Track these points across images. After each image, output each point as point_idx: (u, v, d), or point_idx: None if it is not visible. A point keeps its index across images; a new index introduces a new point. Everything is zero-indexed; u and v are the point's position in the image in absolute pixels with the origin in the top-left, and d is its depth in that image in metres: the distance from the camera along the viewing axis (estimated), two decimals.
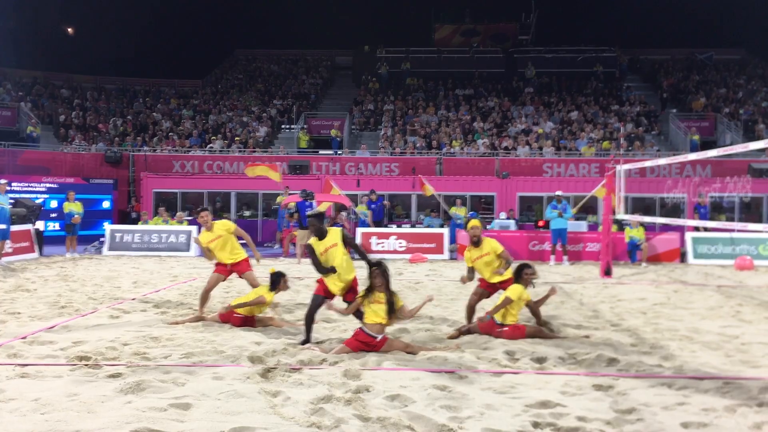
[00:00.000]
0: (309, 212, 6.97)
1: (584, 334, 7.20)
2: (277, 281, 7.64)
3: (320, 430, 4.15)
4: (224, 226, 8.18)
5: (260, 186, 22.76)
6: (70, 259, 16.06)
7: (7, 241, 14.65)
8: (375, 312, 6.24)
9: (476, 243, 7.43)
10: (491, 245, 7.39)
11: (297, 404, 4.61)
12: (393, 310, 6.29)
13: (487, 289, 7.54)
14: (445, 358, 5.98)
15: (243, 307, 7.54)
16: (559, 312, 8.69)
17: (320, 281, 6.86)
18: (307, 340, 6.64)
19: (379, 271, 6.30)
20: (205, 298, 8.16)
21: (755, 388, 5.01)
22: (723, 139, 26.71)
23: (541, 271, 14.49)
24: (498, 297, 7.22)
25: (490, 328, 6.95)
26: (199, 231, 18.96)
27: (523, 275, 7.08)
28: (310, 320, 6.71)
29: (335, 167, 23.79)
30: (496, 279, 7.42)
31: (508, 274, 7.38)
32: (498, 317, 6.95)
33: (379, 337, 6.24)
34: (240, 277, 8.32)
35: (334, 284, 6.74)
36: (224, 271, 8.25)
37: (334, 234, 6.72)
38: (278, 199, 19.07)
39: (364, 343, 6.21)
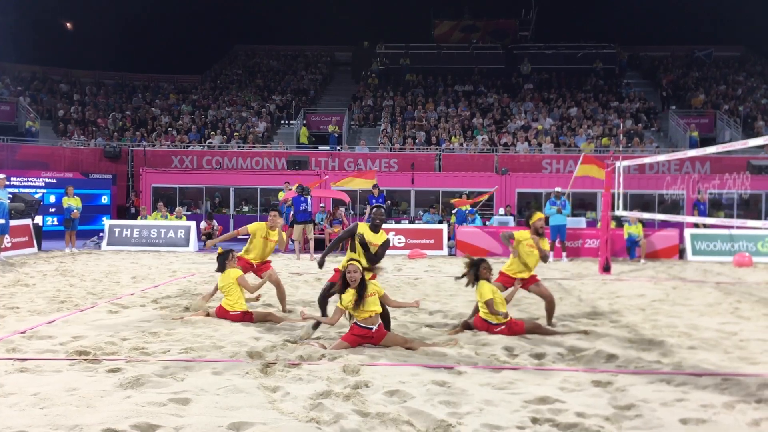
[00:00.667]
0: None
1: (583, 330, 7.22)
2: (226, 257, 7.77)
3: (319, 425, 4.14)
4: (276, 235, 8.38)
5: (259, 182, 22.77)
6: (69, 254, 16.04)
7: (6, 236, 14.64)
8: (360, 312, 6.24)
9: (540, 234, 7.61)
10: (545, 244, 7.57)
11: (296, 399, 4.62)
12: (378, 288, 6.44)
13: (505, 284, 7.59)
14: (444, 354, 5.99)
15: (250, 296, 7.64)
16: (558, 308, 8.68)
17: (337, 270, 6.92)
18: (317, 323, 6.74)
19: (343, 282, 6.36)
20: (210, 295, 8.27)
21: (754, 385, 5.01)
22: (722, 136, 26.72)
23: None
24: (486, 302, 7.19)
25: (488, 327, 6.94)
26: (199, 226, 18.80)
27: (481, 271, 7.09)
28: (323, 303, 7.09)
29: (334, 163, 23.77)
30: (521, 274, 7.58)
31: (528, 272, 7.60)
32: (491, 319, 6.93)
33: (374, 327, 6.24)
34: (260, 276, 8.32)
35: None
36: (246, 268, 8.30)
37: (382, 235, 6.97)
38: (279, 195, 19.07)
39: (361, 336, 6.21)
